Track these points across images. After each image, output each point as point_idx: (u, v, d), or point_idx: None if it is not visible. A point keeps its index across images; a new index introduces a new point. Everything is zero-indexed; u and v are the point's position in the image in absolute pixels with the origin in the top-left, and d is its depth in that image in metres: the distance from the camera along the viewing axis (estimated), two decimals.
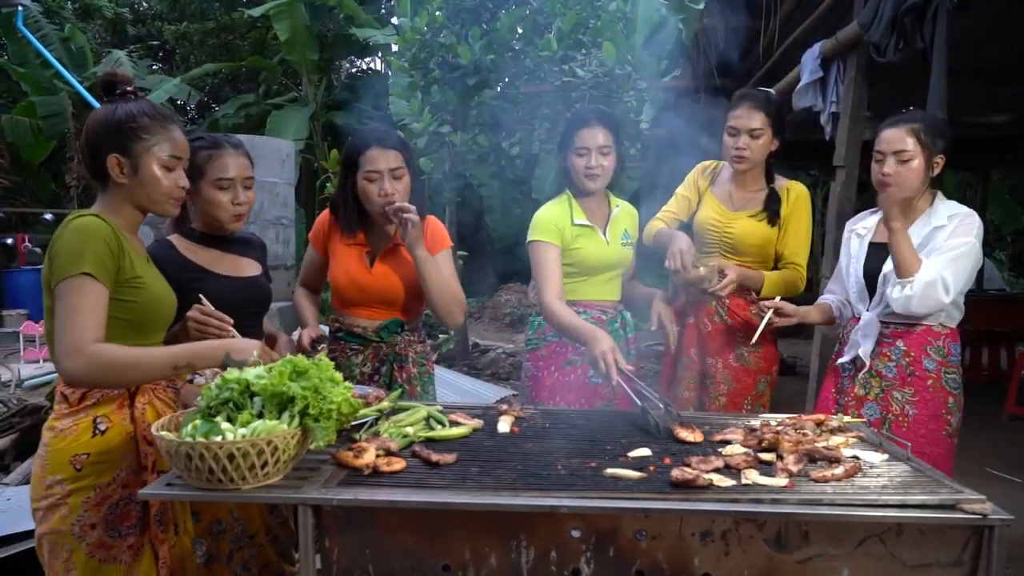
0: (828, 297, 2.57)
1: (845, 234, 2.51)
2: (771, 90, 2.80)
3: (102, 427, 1.69)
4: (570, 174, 2.53)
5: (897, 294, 2.18)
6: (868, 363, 2.32)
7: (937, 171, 2.27)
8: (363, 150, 2.30)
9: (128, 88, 1.77)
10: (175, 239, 2.15)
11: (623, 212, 2.64)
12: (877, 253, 2.34)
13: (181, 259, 2.09)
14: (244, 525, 2.08)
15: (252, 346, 1.70)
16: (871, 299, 2.35)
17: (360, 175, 2.31)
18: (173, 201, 1.79)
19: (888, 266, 2.25)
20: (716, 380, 2.70)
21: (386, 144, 2.30)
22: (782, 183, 2.75)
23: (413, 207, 2.25)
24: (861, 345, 2.32)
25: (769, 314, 2.43)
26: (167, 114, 1.77)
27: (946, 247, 2.20)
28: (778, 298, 2.48)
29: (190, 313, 1.89)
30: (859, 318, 2.37)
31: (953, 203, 2.32)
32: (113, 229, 1.67)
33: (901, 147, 2.22)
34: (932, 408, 2.25)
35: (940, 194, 2.34)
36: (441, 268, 2.37)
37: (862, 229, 2.45)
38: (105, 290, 1.62)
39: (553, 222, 2.51)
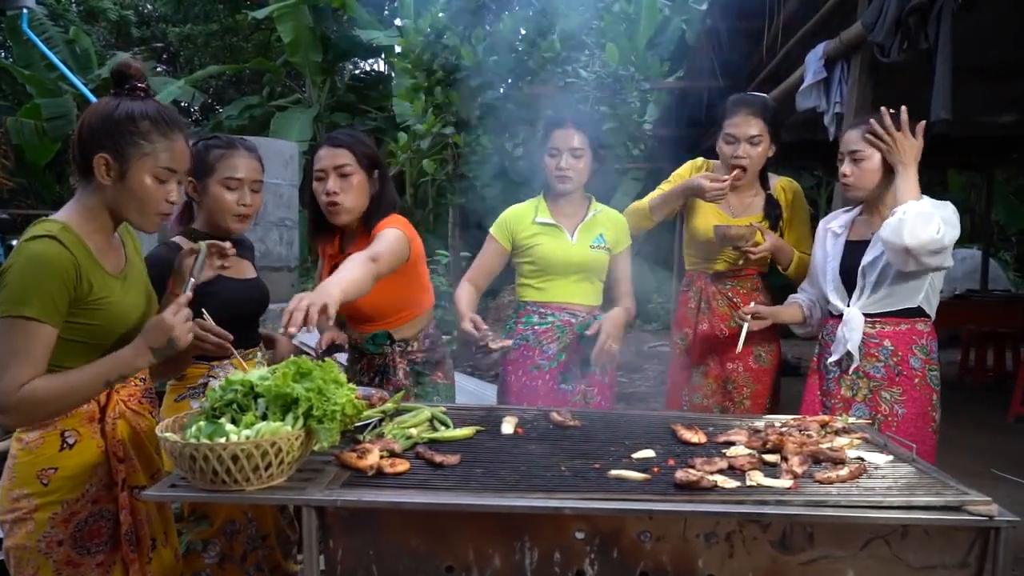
0: (799, 297, 2.56)
1: (819, 232, 2.52)
2: (765, 95, 2.80)
3: (70, 441, 1.62)
4: (544, 174, 2.56)
5: (891, 219, 2.15)
6: (857, 357, 2.32)
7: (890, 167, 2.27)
8: (315, 152, 2.30)
9: (139, 84, 1.65)
10: (180, 241, 2.15)
11: (604, 217, 2.61)
12: (853, 250, 2.36)
13: None
14: (257, 526, 2.09)
15: (160, 325, 1.58)
16: (850, 296, 2.36)
17: (313, 176, 2.29)
18: (157, 217, 1.66)
19: (867, 258, 2.29)
20: (739, 384, 2.70)
21: (333, 143, 2.26)
22: (773, 181, 2.75)
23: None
24: (848, 340, 2.33)
25: (748, 321, 2.43)
26: (174, 120, 1.65)
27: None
28: (753, 303, 2.51)
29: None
30: (839, 316, 2.37)
31: (926, 198, 2.30)
32: (73, 254, 1.55)
33: (854, 147, 2.28)
34: (919, 406, 2.27)
35: None
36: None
37: (838, 227, 2.46)
38: (51, 330, 1.53)
39: (509, 221, 2.61)
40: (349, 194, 2.25)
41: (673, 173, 2.88)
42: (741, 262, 2.67)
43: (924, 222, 2.09)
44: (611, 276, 2.62)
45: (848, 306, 2.35)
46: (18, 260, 1.53)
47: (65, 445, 1.61)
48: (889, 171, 2.26)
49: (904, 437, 2.17)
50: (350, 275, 1.92)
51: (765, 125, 2.58)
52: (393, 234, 2.18)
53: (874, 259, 2.29)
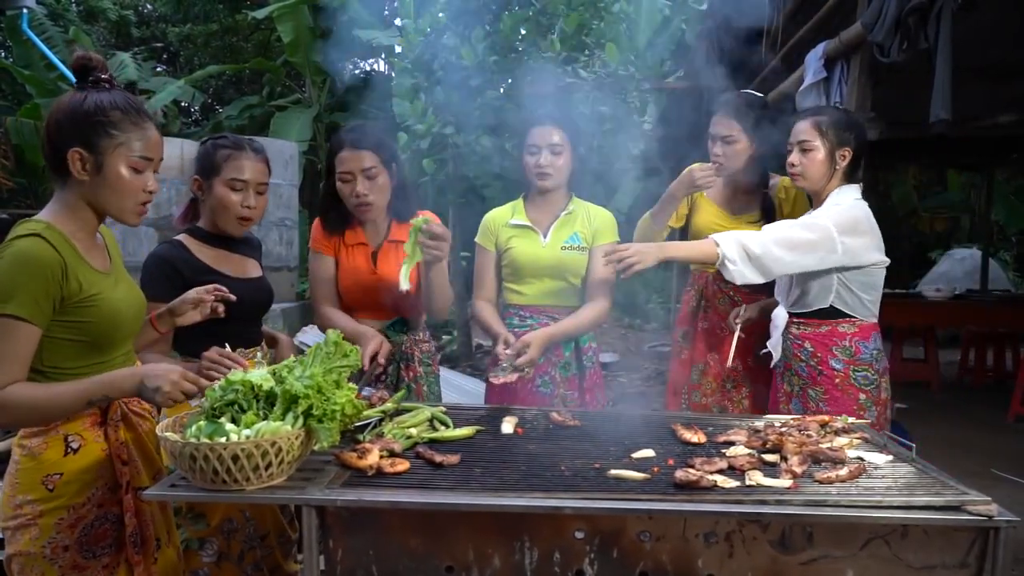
0: None
1: None
2: (752, 92, 2.80)
3: (74, 445, 1.61)
4: (525, 173, 2.55)
5: (728, 276, 2.26)
6: (776, 356, 2.44)
7: (843, 164, 2.33)
8: (337, 151, 2.31)
9: (103, 75, 1.62)
10: (185, 239, 2.15)
11: (581, 213, 2.55)
12: None
13: (194, 260, 2.10)
14: (256, 525, 2.09)
15: (168, 371, 1.56)
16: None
17: (336, 177, 2.30)
18: (137, 207, 1.63)
19: None
20: (738, 383, 2.71)
21: (358, 145, 2.28)
22: (775, 181, 2.76)
23: (440, 232, 2.13)
24: (772, 338, 2.45)
25: (736, 329, 2.49)
26: (142, 109, 1.62)
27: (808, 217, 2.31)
28: (743, 308, 2.57)
29: (207, 353, 1.81)
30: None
31: (848, 194, 2.34)
32: (60, 254, 1.53)
33: (803, 138, 2.34)
34: (842, 406, 2.29)
35: (848, 187, 2.36)
36: (444, 275, 2.34)
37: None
38: (34, 329, 1.50)
39: (490, 224, 2.61)
40: (377, 194, 2.30)
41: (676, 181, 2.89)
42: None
43: (750, 259, 2.20)
44: (587, 272, 2.53)
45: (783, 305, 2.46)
46: (4, 258, 1.50)
47: (69, 450, 1.61)
48: (833, 165, 2.33)
49: None
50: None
51: (740, 125, 2.60)
52: None
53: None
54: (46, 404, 1.53)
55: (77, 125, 1.56)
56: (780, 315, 2.45)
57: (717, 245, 2.21)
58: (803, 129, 2.35)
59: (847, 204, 2.30)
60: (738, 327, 2.55)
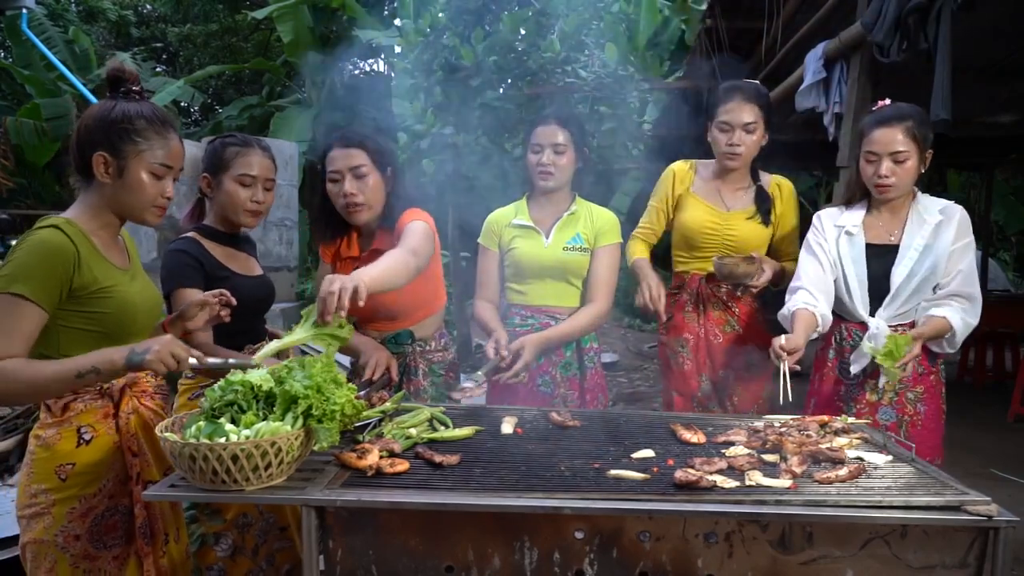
0: (807, 308, 2.29)
1: (823, 226, 2.40)
2: (758, 82, 2.76)
3: (87, 436, 1.67)
4: (528, 172, 2.53)
5: (950, 348, 2.31)
6: (858, 368, 2.30)
7: (927, 165, 2.27)
8: (325, 152, 2.25)
9: (134, 87, 1.72)
10: (196, 236, 2.17)
11: (583, 214, 2.53)
12: (877, 254, 2.30)
13: (208, 256, 2.15)
14: (276, 518, 2.11)
15: (158, 339, 1.59)
16: (873, 304, 2.31)
17: (326, 178, 2.24)
18: (154, 210, 1.71)
19: (902, 270, 2.26)
20: (730, 393, 2.66)
21: (346, 143, 2.21)
22: (767, 179, 2.68)
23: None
24: (856, 352, 2.31)
25: (785, 365, 2.09)
26: (167, 119, 1.72)
27: (962, 257, 2.26)
28: (784, 338, 2.13)
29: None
30: (863, 323, 2.31)
31: (930, 196, 2.33)
32: (75, 245, 1.60)
33: (899, 148, 2.19)
34: (936, 400, 2.33)
35: (915, 188, 2.34)
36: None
37: (852, 227, 2.34)
38: (40, 312, 1.55)
39: (493, 225, 2.59)
40: (367, 194, 2.21)
41: (658, 182, 2.78)
42: (740, 292, 2.61)
43: (969, 327, 2.25)
44: (588, 273, 2.51)
45: (872, 315, 2.30)
46: (23, 244, 1.58)
47: (82, 441, 1.66)
48: (922, 167, 2.25)
49: (926, 433, 2.29)
50: (384, 264, 1.90)
51: (760, 111, 2.52)
52: (422, 227, 2.16)
53: (910, 272, 2.24)
54: (35, 376, 1.53)
55: (104, 131, 1.65)
56: (883, 330, 2.25)
57: (951, 328, 2.24)
58: (897, 139, 2.18)
59: (952, 204, 2.29)
60: (786, 358, 2.10)
